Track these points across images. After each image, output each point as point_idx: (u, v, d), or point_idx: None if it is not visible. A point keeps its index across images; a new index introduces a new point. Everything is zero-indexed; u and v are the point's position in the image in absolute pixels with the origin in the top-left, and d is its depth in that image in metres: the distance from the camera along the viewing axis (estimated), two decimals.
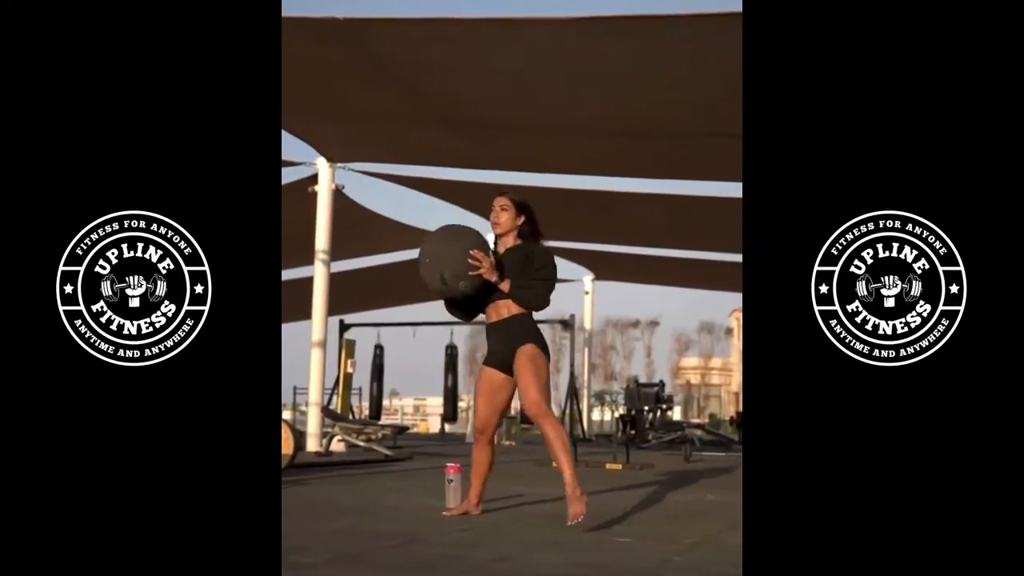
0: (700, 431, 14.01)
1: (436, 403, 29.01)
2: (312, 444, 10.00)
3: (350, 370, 12.89)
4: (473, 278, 3.83)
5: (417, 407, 40.01)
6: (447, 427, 20.88)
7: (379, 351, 17.06)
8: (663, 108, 8.25)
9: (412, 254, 14.91)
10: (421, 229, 13.74)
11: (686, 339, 39.99)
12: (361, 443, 9.65)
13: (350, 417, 12.70)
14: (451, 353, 17.28)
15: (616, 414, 19.86)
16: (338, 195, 10.87)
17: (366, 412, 18.59)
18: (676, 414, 23.72)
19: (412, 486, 5.88)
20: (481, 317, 4.14)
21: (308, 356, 10.74)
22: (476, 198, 12.56)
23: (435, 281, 3.85)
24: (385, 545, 3.12)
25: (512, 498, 4.78)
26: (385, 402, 21.82)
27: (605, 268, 17.26)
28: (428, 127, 9.41)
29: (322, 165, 10.65)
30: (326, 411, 10.62)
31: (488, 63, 7.54)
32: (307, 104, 8.38)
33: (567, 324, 17.02)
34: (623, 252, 15.12)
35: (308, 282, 10.66)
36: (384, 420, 18.77)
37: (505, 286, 3.87)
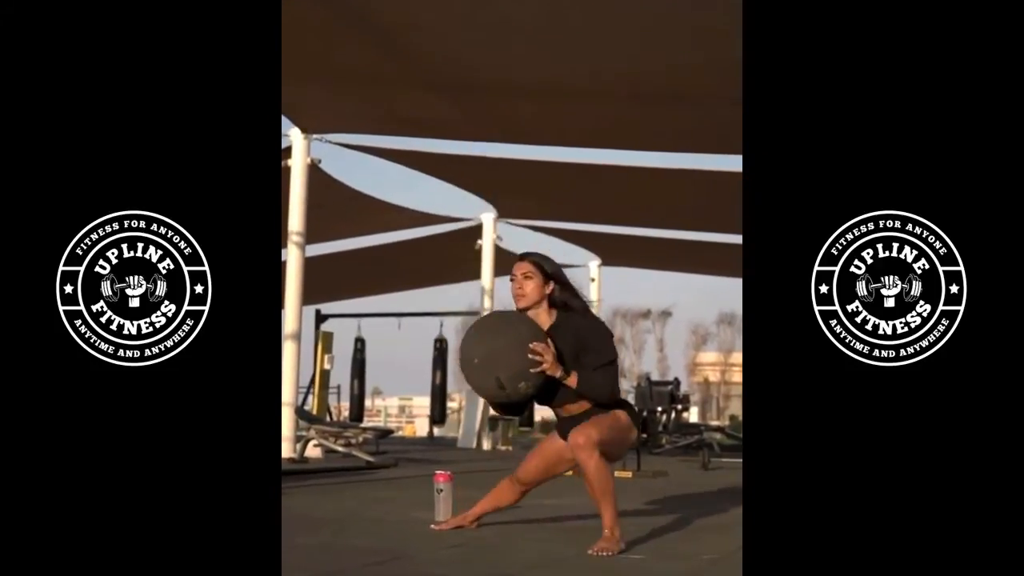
0: (720, 435, 14.23)
1: (424, 403, 29.30)
2: (285, 449, 10.24)
3: (327, 366, 13.10)
4: (535, 376, 3.67)
5: (403, 407, 40.38)
6: (436, 430, 21.17)
7: (360, 345, 17.31)
8: (681, 70, 8.19)
9: (397, 236, 15.13)
10: (407, 208, 13.92)
11: (703, 331, 40.30)
12: (340, 448, 9.83)
13: (327, 419, 12.94)
14: (440, 347, 17.50)
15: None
16: (314, 170, 11.04)
17: (345, 413, 18.88)
18: (693, 416, 23.98)
19: (397, 496, 6.01)
20: None
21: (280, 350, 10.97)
22: (471, 173, 12.72)
23: (491, 388, 3.71)
24: (367, 562, 3.21)
25: (509, 510, 4.79)
26: (367, 402, 22.12)
27: (613, 252, 17.41)
28: (416, 93, 9.49)
29: (296, 136, 10.83)
30: (300, 412, 10.81)
31: (485, 18, 7.64)
32: None
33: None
34: (633, 234, 15.27)
35: (280, 268, 10.88)
36: (365, 422, 19.04)
37: (572, 381, 3.71)
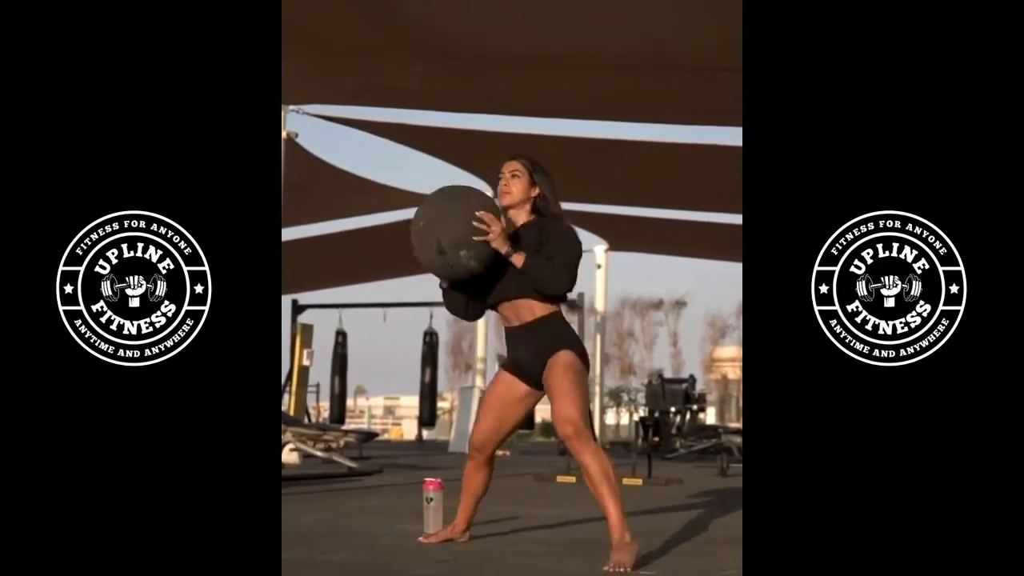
0: (739, 437, 14.40)
1: (411, 403, 29.59)
2: None
3: (306, 362, 13.29)
4: (479, 247, 3.85)
5: (388, 408, 40.71)
6: (425, 433, 21.46)
7: (341, 339, 17.61)
8: (697, 35, 8.28)
9: (383, 218, 15.14)
10: (394, 188, 14.11)
11: (721, 324, 40.33)
12: (319, 453, 10.03)
13: (305, 420, 13.20)
14: (430, 341, 17.78)
15: (636, 417, 20.34)
16: (291, 145, 11.18)
17: (325, 414, 19.17)
18: (710, 417, 24.27)
19: (382, 506, 6.17)
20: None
21: None
22: (466, 149, 12.80)
23: (430, 251, 3.88)
24: None
25: (505, 521, 5.00)
26: (349, 402, 22.41)
27: (622, 236, 17.60)
28: (405, 59, 9.59)
29: None
30: None
31: None
32: None
33: (574, 305, 17.55)
34: (644, 216, 15.49)
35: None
36: (347, 424, 19.30)
37: (518, 259, 3.88)
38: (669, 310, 40.43)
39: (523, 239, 4.02)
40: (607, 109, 11.20)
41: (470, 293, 4.12)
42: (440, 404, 22.78)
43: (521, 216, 4.13)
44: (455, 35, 8.85)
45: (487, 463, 4.22)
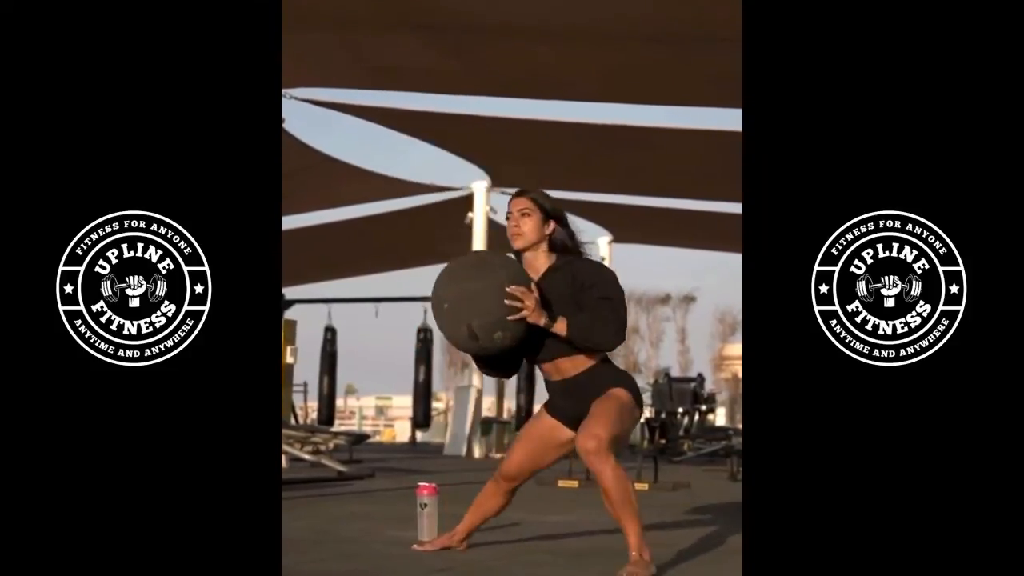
0: None
1: (404, 403, 29.72)
2: None
3: (291, 360, 13.41)
4: (514, 325, 3.74)
5: (380, 409, 40.88)
6: (419, 435, 21.60)
7: (330, 335, 17.72)
8: (713, 5, 8.34)
9: (374, 208, 15.39)
10: (387, 176, 14.24)
11: (731, 320, 40.35)
12: (307, 456, 10.16)
13: (292, 422, 13.34)
14: (424, 338, 17.88)
15: (641, 418, 20.38)
16: None
17: (313, 415, 19.30)
18: (719, 418, 24.38)
19: (374, 512, 6.22)
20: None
21: None
22: (461, 135, 12.94)
23: (461, 336, 3.79)
24: None
25: (506, 528, 5.01)
26: (338, 402, 22.53)
27: (627, 227, 17.74)
28: (399, 38, 9.64)
29: None
30: None
31: None
32: None
33: None
34: (650, 205, 15.61)
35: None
36: (337, 426, 19.43)
37: (561, 327, 3.78)
38: (677, 305, 40.49)
39: (552, 288, 3.89)
40: (614, 90, 11.21)
41: (508, 361, 4.06)
42: (435, 404, 22.86)
43: (540, 258, 4.00)
44: (456, 6, 8.84)
45: (509, 493, 4.23)
